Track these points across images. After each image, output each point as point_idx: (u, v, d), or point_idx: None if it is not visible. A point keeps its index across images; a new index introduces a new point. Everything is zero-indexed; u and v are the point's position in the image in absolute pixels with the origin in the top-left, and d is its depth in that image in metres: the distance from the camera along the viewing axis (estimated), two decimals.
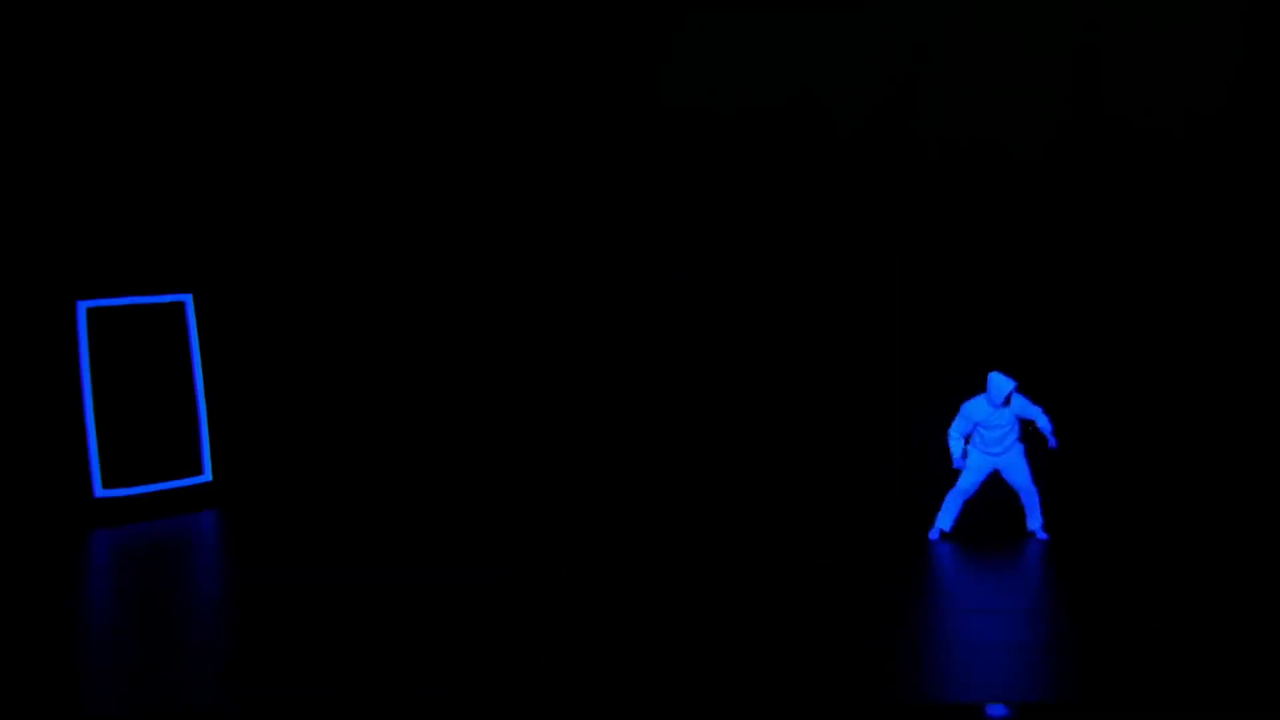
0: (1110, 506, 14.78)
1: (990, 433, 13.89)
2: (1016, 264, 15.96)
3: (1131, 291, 15.88)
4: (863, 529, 14.32)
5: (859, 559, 13.37)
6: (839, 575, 12.80)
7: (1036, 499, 14.21)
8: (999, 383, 13.76)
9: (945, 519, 14.21)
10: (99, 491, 14.92)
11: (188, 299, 15.50)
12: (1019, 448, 14.04)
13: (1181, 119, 15.72)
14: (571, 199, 16.27)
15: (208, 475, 15.60)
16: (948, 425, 13.94)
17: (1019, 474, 14.11)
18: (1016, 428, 13.99)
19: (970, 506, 14.06)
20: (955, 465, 13.97)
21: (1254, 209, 15.72)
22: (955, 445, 13.92)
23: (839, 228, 16.15)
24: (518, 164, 16.23)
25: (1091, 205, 15.91)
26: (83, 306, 14.86)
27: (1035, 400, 13.87)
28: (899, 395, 15.82)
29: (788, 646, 10.67)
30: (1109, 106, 15.84)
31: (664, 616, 11.33)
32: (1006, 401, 13.75)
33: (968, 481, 14.07)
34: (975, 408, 13.81)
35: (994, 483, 14.12)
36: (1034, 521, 14.25)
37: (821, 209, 16.15)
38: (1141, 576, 12.67)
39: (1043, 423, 13.91)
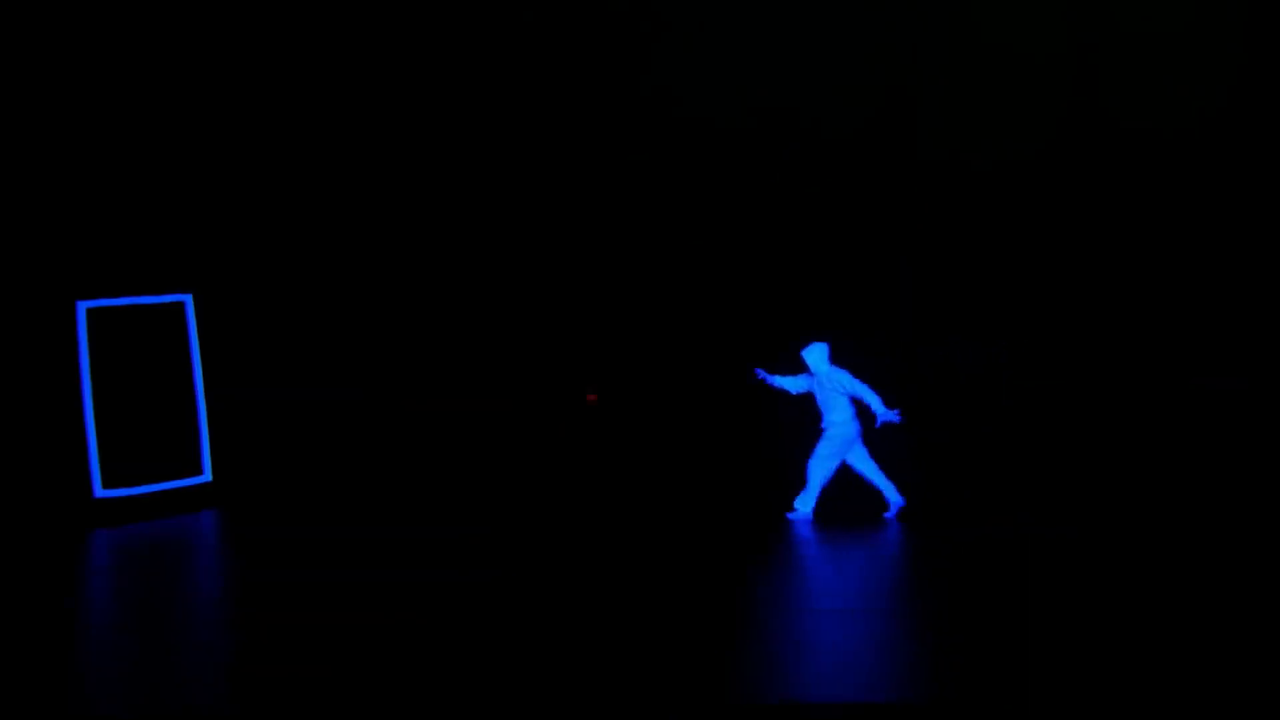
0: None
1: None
2: (1016, 265, 15.96)
3: (1131, 292, 15.89)
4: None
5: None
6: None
7: (812, 485, 14.44)
8: (808, 349, 14.35)
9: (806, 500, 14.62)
10: (99, 491, 14.92)
11: (188, 299, 15.50)
12: (829, 429, 14.32)
13: (1182, 119, 15.72)
14: (574, 202, 16.28)
15: (208, 475, 15.61)
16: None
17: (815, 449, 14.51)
18: (834, 405, 14.30)
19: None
20: (759, 373, 14.50)
21: (1255, 209, 15.72)
22: (776, 378, 14.52)
23: (839, 230, 16.16)
24: (516, 166, 16.23)
25: (1091, 206, 15.92)
26: (83, 306, 14.86)
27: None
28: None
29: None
30: (1109, 106, 15.84)
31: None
32: (809, 369, 14.28)
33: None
34: (805, 377, 14.45)
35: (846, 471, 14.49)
36: (800, 500, 14.51)
37: (821, 212, 16.16)
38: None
39: (869, 400, 14.21)
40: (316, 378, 16.06)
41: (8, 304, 14.73)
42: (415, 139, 16.20)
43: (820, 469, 14.34)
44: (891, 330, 15.95)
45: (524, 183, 16.26)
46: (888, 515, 14.40)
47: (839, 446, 14.28)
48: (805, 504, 14.45)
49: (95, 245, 15.12)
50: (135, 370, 15.19)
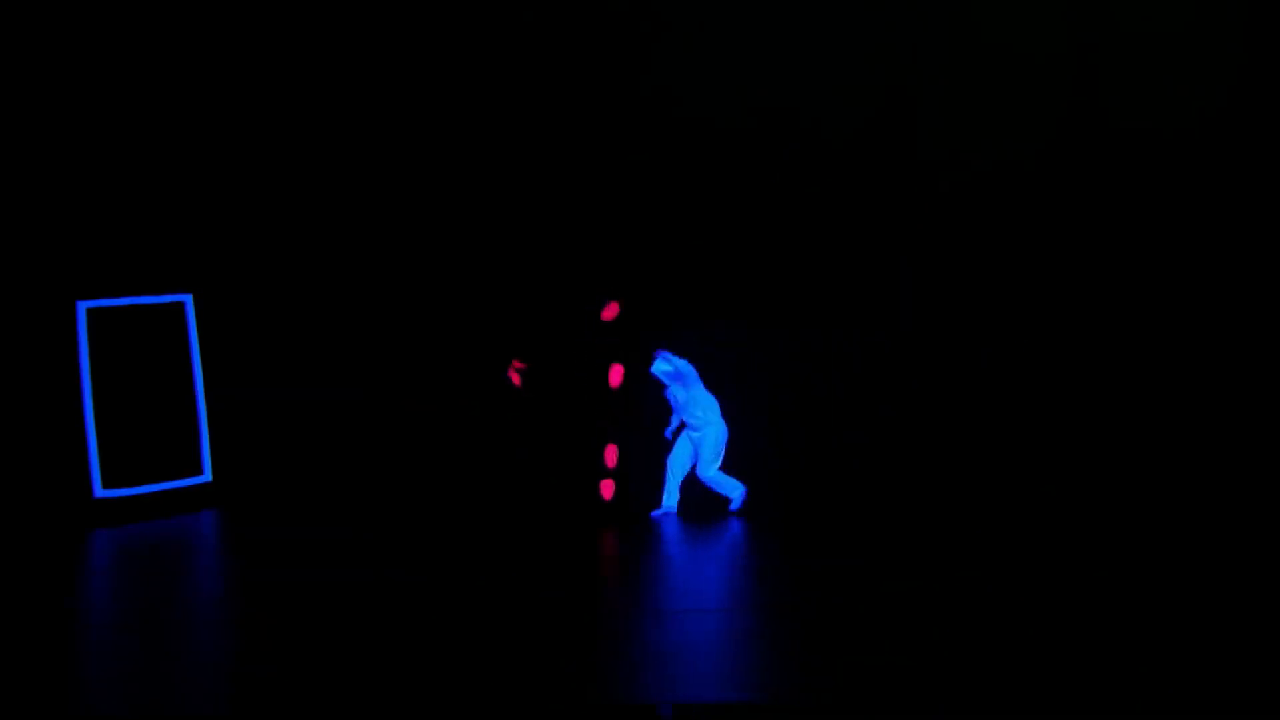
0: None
1: None
2: (1016, 264, 15.96)
3: (1130, 293, 15.89)
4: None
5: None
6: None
7: (722, 484, 14.93)
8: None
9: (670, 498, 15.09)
10: (99, 491, 14.92)
11: (188, 299, 15.50)
12: (694, 432, 14.94)
13: (1182, 119, 15.72)
14: (571, 204, 16.27)
15: (208, 475, 15.61)
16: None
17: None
18: (680, 405, 14.97)
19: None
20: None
21: (1255, 209, 15.72)
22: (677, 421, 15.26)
23: (839, 230, 16.16)
24: (516, 167, 16.23)
25: (1091, 206, 15.92)
26: (83, 306, 14.86)
27: None
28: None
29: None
30: (1109, 106, 15.84)
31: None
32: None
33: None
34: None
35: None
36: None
37: (821, 212, 16.16)
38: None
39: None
40: (316, 378, 16.05)
41: (8, 304, 14.73)
42: (415, 139, 16.19)
43: (714, 466, 14.91)
44: (892, 330, 15.95)
45: (524, 183, 16.25)
46: (654, 514, 14.94)
47: (716, 440, 14.88)
48: (734, 493, 14.95)
49: (95, 245, 15.11)
50: (135, 370, 15.19)
